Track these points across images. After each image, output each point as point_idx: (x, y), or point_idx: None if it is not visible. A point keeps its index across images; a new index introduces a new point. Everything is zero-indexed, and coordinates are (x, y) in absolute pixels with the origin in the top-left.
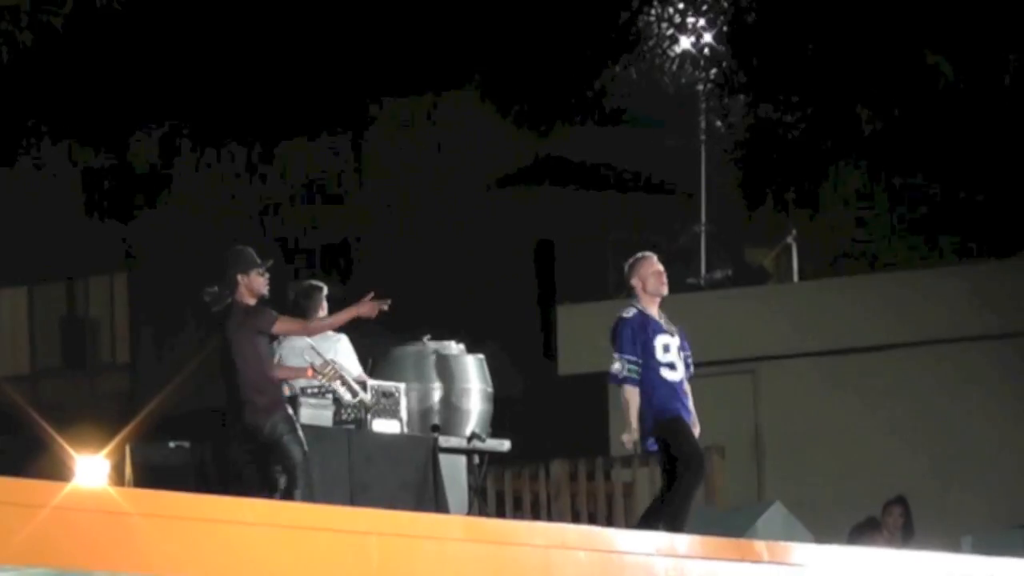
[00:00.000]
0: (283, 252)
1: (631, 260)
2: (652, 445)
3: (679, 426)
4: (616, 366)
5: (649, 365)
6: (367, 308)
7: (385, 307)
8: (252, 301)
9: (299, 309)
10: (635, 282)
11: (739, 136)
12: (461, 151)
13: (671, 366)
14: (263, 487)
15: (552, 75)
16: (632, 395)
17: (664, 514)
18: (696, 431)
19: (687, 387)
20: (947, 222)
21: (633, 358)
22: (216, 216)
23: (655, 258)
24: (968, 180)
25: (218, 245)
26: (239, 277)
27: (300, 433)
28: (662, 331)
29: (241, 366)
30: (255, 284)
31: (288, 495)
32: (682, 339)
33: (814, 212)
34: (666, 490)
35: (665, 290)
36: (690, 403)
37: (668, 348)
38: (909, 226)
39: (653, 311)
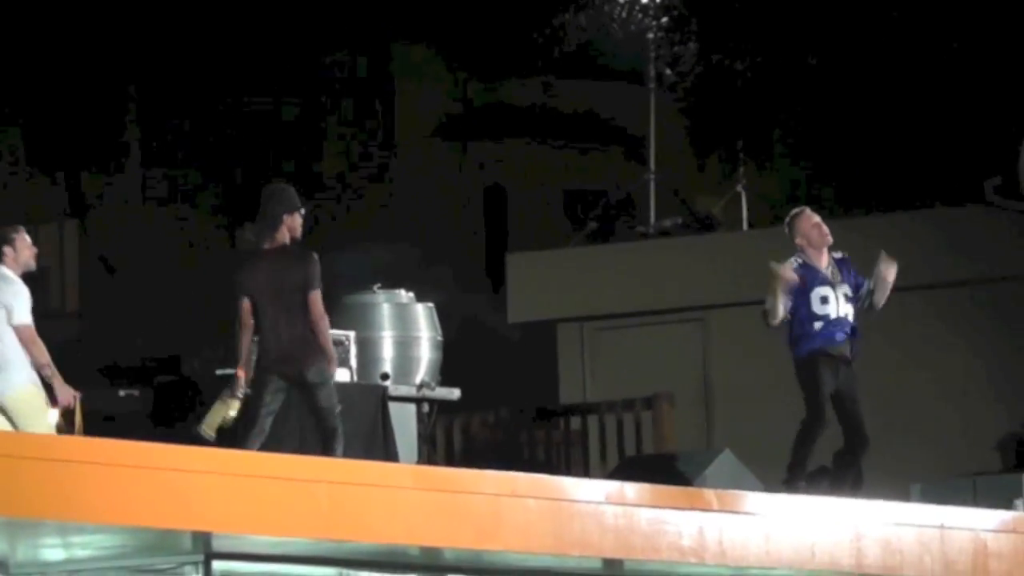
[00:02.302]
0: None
1: (788, 219)
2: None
3: (813, 373)
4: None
5: (803, 315)
6: None
7: None
8: (288, 242)
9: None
10: (799, 241)
11: (689, 84)
12: (409, 100)
13: (826, 319)
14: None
15: (500, 23)
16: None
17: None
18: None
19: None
20: (899, 170)
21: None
22: (167, 165)
23: (809, 211)
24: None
25: (168, 194)
26: (284, 216)
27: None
28: (825, 283)
29: (303, 308)
30: (296, 225)
31: (331, 446)
32: (851, 284)
33: (764, 160)
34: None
35: (829, 239)
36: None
37: (826, 300)
38: (860, 174)
39: (821, 263)
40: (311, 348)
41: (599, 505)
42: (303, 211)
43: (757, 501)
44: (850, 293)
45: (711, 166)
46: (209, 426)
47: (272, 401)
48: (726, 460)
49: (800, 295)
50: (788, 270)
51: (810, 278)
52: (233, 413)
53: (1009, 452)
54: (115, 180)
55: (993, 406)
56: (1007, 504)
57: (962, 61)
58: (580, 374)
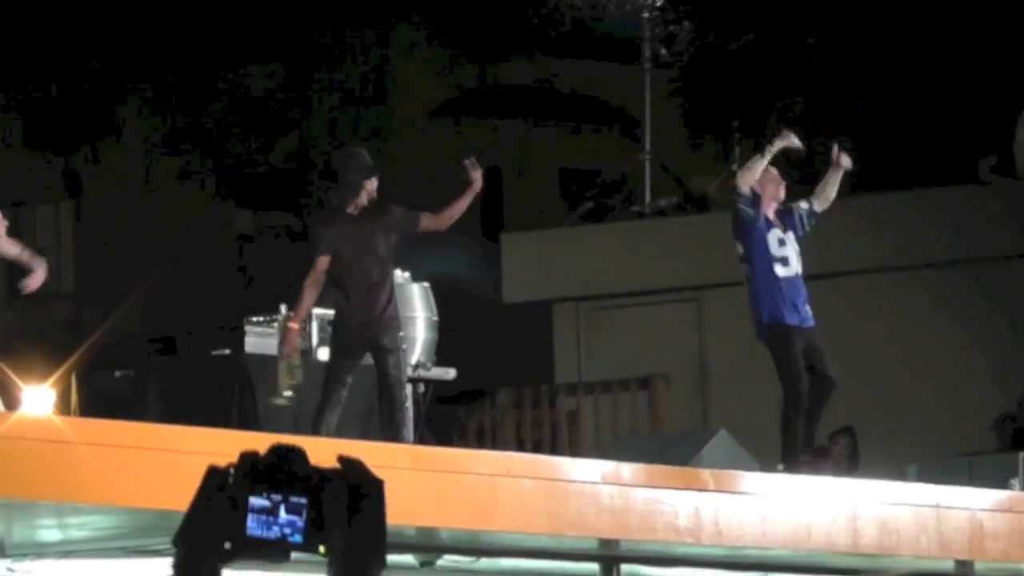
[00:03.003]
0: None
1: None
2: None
3: (784, 345)
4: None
5: (762, 258)
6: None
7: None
8: (368, 205)
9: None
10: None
11: (684, 63)
12: (406, 80)
13: (784, 261)
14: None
15: (495, 3)
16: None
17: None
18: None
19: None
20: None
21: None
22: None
23: (775, 171)
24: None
25: (164, 174)
26: (364, 182)
27: None
28: (775, 227)
29: (386, 275)
30: (373, 188)
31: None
32: (798, 233)
33: (759, 140)
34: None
35: (782, 194)
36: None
37: (783, 243)
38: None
39: (771, 212)
40: (390, 315)
41: (595, 485)
42: (379, 172)
43: (753, 481)
44: (796, 244)
45: (706, 146)
46: (282, 393)
47: (350, 369)
48: (722, 440)
49: (757, 233)
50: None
51: (765, 222)
52: (297, 371)
53: (1005, 432)
54: (111, 161)
55: (989, 386)
56: (1003, 484)
57: (957, 41)
58: (576, 354)
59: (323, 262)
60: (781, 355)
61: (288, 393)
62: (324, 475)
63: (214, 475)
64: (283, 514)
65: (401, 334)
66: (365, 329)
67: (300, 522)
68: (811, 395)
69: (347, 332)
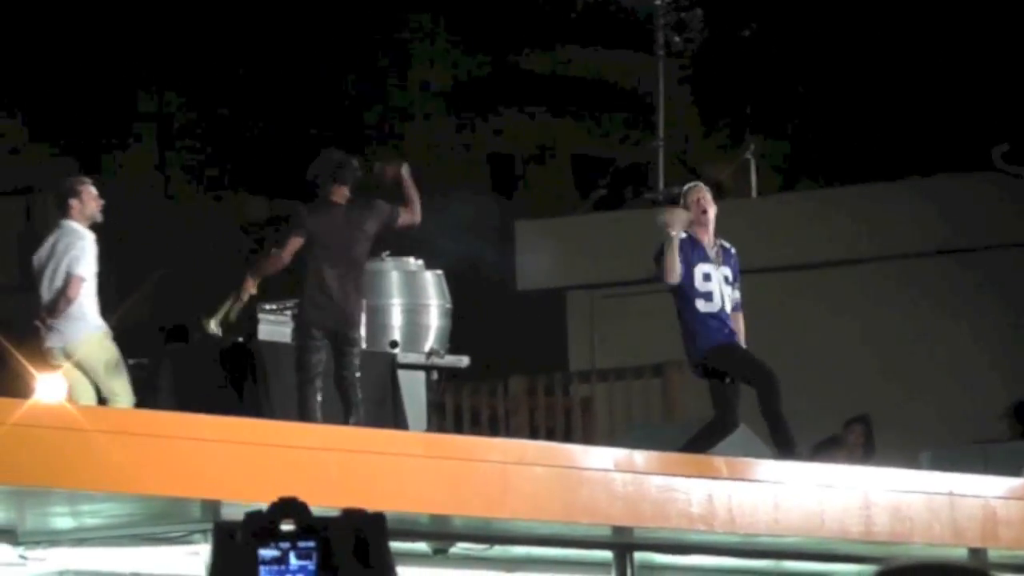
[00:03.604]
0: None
1: (683, 189)
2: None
3: (725, 354)
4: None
5: (687, 292)
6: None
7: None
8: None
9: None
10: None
11: (696, 51)
12: (417, 68)
13: (707, 297)
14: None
15: None
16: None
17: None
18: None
19: (730, 319)
20: (908, 138)
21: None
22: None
23: (702, 186)
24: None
25: (178, 160)
26: (332, 183)
27: None
28: (705, 260)
29: (360, 265)
30: (343, 189)
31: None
32: (734, 273)
33: (772, 127)
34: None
35: (703, 219)
36: (736, 337)
37: (709, 277)
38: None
39: (705, 240)
40: (356, 308)
41: (608, 472)
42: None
43: (766, 468)
44: (731, 278)
45: (719, 133)
46: (215, 322)
47: (318, 352)
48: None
49: (684, 268)
50: (680, 216)
51: (694, 253)
52: (234, 313)
53: (1018, 420)
54: (124, 151)
55: (1003, 373)
56: (1016, 471)
57: (970, 28)
58: (589, 341)
59: (295, 243)
60: (730, 363)
61: (215, 328)
62: (326, 521)
63: (222, 532)
64: (294, 560)
65: (362, 332)
66: (331, 317)
67: (311, 566)
68: (763, 401)
69: (313, 318)
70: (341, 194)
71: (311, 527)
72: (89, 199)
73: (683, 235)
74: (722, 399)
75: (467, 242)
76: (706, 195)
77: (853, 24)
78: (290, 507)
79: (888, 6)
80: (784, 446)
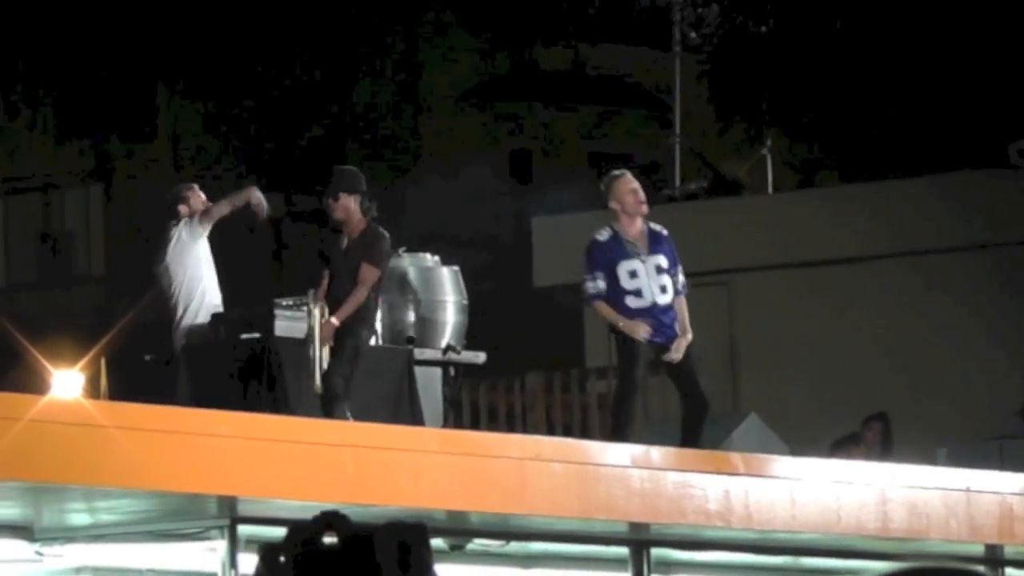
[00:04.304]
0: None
1: (606, 180)
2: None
3: (632, 353)
4: (586, 285)
5: (614, 291)
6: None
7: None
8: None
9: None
10: (613, 205)
11: (713, 47)
12: (436, 64)
13: (637, 293)
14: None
15: None
16: (603, 307)
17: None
18: (676, 356)
19: (669, 307)
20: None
21: (600, 274)
22: (192, 130)
23: (629, 175)
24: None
25: (191, 161)
26: (332, 201)
27: None
28: (629, 256)
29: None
30: (348, 205)
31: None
32: (669, 258)
33: (789, 123)
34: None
35: (644, 208)
36: (676, 325)
37: (635, 274)
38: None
39: (632, 232)
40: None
41: (625, 469)
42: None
43: (783, 464)
44: (664, 264)
45: (736, 129)
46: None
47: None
48: (752, 423)
49: (609, 272)
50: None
51: (617, 251)
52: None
53: None
54: (141, 145)
55: (1020, 370)
56: None
57: (989, 25)
58: (606, 337)
59: (325, 274)
60: (626, 354)
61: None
62: (369, 531)
63: (269, 552)
64: None
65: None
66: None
67: None
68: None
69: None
70: (338, 213)
71: (356, 536)
72: (197, 202)
73: (604, 236)
74: (682, 385)
75: (485, 233)
76: (637, 183)
77: (870, 20)
78: (333, 520)
79: (905, 2)
80: (617, 434)
